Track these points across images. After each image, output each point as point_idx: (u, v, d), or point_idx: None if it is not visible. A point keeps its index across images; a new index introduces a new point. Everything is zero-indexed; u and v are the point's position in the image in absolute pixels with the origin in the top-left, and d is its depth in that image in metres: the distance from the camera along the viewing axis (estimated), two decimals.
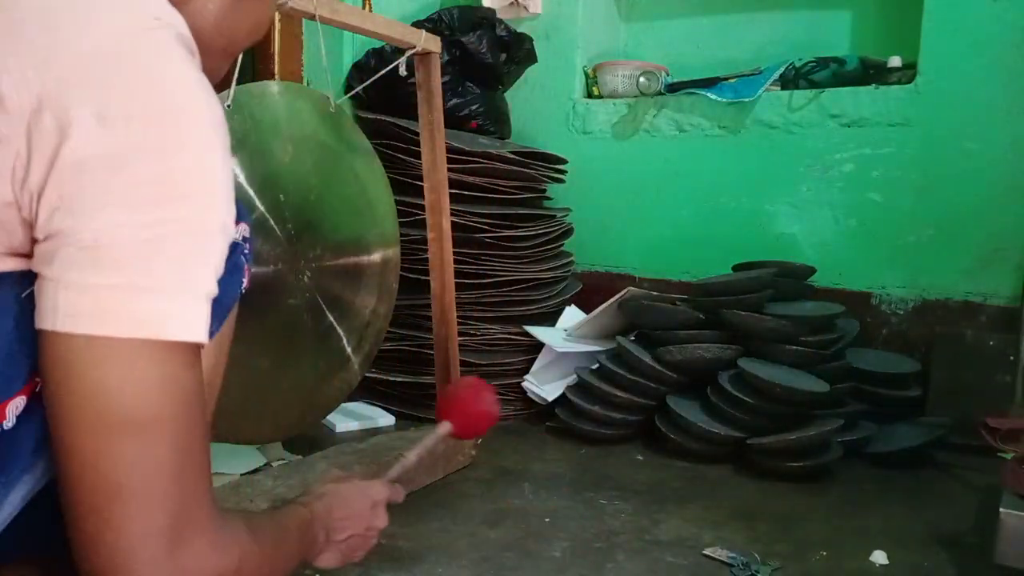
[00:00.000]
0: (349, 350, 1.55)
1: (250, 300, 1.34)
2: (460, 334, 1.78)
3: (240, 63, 1.27)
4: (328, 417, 1.89)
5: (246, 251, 0.81)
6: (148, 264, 0.58)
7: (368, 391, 2.08)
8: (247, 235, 0.82)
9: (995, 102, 1.97)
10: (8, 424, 0.62)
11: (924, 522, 1.47)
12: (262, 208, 1.34)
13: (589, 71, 2.50)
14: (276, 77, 2.23)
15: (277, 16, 2.23)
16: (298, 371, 1.47)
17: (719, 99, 2.23)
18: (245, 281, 0.81)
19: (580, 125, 2.48)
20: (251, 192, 1.32)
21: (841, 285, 2.15)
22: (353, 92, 1.76)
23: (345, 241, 1.53)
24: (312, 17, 1.37)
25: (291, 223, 1.40)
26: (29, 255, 0.60)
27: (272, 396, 1.42)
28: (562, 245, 2.30)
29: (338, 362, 1.54)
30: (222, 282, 0.63)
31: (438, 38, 1.63)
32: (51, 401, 0.59)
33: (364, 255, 1.57)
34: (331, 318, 1.51)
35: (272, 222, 1.36)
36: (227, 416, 1.34)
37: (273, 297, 1.40)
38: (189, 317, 0.59)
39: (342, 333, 1.54)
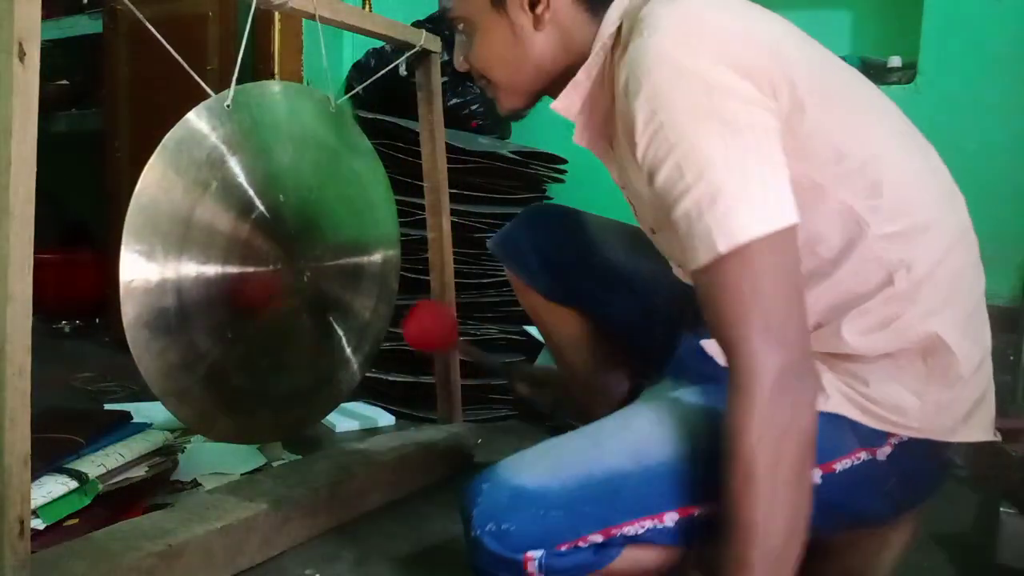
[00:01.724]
0: (349, 350, 1.55)
1: (250, 300, 1.34)
2: (460, 334, 1.78)
3: (240, 63, 1.27)
4: (328, 417, 1.89)
5: None
6: None
7: (368, 391, 2.08)
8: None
9: (995, 102, 1.97)
10: None
11: (924, 522, 1.46)
12: (262, 208, 1.34)
13: None
14: (276, 77, 2.23)
15: (277, 16, 2.24)
16: (298, 371, 1.47)
17: None
18: None
19: None
20: (251, 192, 1.32)
21: None
22: (353, 92, 1.76)
23: (345, 241, 1.53)
24: (312, 17, 1.37)
25: (291, 223, 1.40)
26: None
27: (272, 396, 1.42)
28: None
29: (338, 362, 1.54)
30: None
31: (438, 38, 1.63)
32: None
33: (364, 256, 1.57)
34: (331, 318, 1.51)
35: (272, 222, 1.36)
36: (227, 416, 1.34)
37: (273, 297, 1.39)
38: None
39: (342, 333, 1.53)
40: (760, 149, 0.77)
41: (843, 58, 2.42)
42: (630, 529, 0.86)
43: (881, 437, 0.88)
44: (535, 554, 0.85)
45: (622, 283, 1.16)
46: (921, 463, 0.90)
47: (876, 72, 2.14)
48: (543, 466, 0.89)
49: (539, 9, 0.93)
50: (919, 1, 2.05)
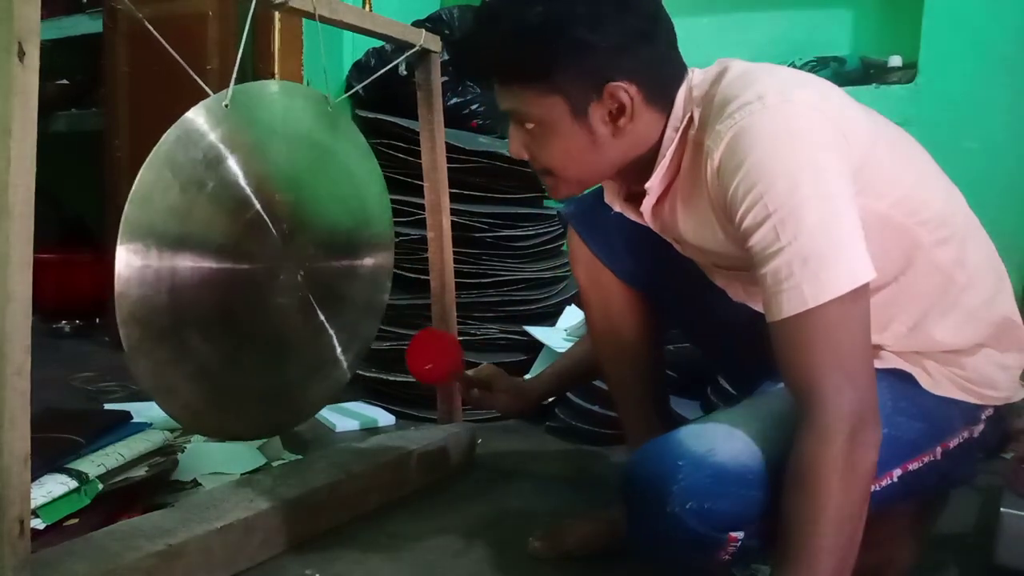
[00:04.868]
0: (339, 349, 1.55)
1: (243, 298, 1.34)
2: (460, 334, 1.78)
3: (240, 62, 1.27)
4: (328, 417, 1.89)
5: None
6: None
7: (368, 391, 2.08)
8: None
9: (995, 101, 1.97)
10: None
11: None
12: (258, 207, 1.34)
13: None
14: (276, 76, 2.23)
15: (277, 16, 2.24)
16: (288, 369, 1.47)
17: None
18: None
19: None
20: (248, 191, 1.32)
21: None
22: (353, 91, 1.76)
23: (338, 240, 1.53)
24: (312, 16, 1.37)
25: (286, 222, 1.39)
26: None
27: (262, 393, 1.42)
28: (562, 244, 2.30)
29: (328, 360, 1.54)
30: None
31: (438, 37, 1.63)
32: None
33: (356, 255, 1.57)
34: (322, 317, 1.51)
35: (267, 221, 1.36)
36: (217, 412, 1.34)
37: (265, 296, 1.39)
38: None
39: (332, 332, 1.53)
40: (844, 214, 0.86)
41: (844, 57, 2.43)
42: None
43: (979, 413, 1.02)
44: (738, 535, 0.89)
45: (699, 279, 1.14)
46: (995, 435, 1.07)
47: (876, 72, 2.14)
48: (736, 444, 0.90)
49: (622, 122, 0.95)
50: (919, 1, 2.05)
